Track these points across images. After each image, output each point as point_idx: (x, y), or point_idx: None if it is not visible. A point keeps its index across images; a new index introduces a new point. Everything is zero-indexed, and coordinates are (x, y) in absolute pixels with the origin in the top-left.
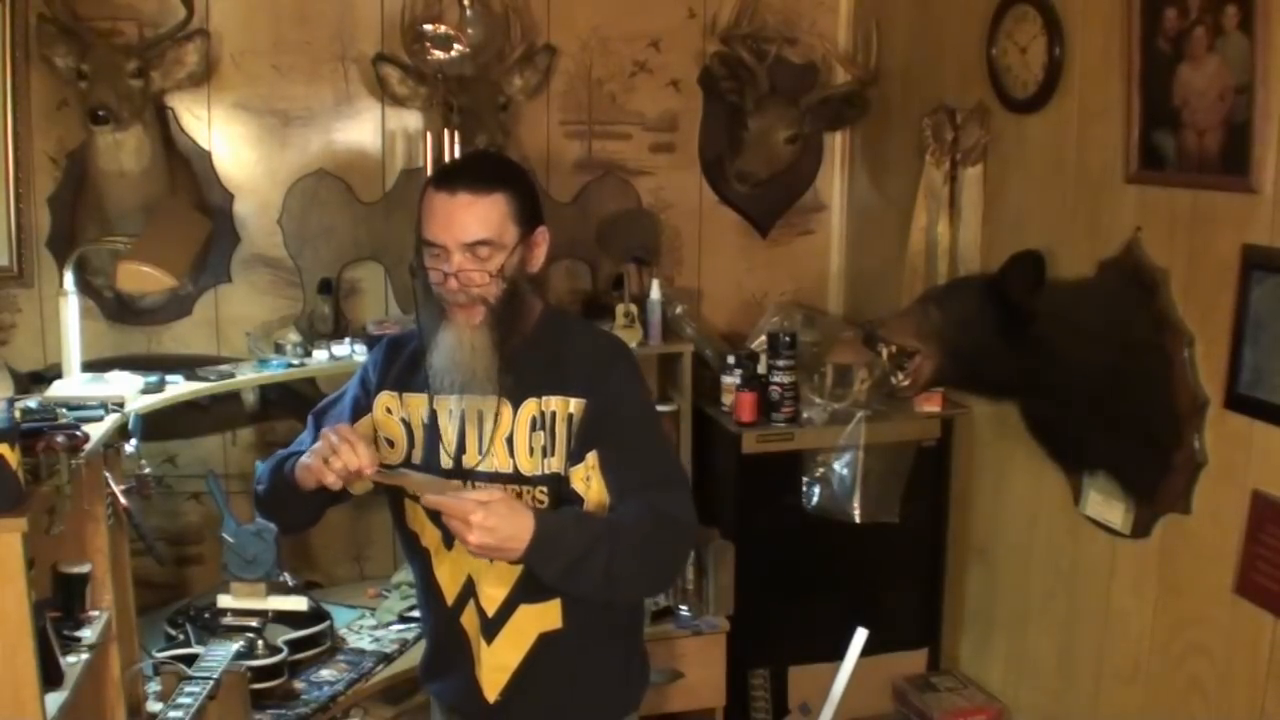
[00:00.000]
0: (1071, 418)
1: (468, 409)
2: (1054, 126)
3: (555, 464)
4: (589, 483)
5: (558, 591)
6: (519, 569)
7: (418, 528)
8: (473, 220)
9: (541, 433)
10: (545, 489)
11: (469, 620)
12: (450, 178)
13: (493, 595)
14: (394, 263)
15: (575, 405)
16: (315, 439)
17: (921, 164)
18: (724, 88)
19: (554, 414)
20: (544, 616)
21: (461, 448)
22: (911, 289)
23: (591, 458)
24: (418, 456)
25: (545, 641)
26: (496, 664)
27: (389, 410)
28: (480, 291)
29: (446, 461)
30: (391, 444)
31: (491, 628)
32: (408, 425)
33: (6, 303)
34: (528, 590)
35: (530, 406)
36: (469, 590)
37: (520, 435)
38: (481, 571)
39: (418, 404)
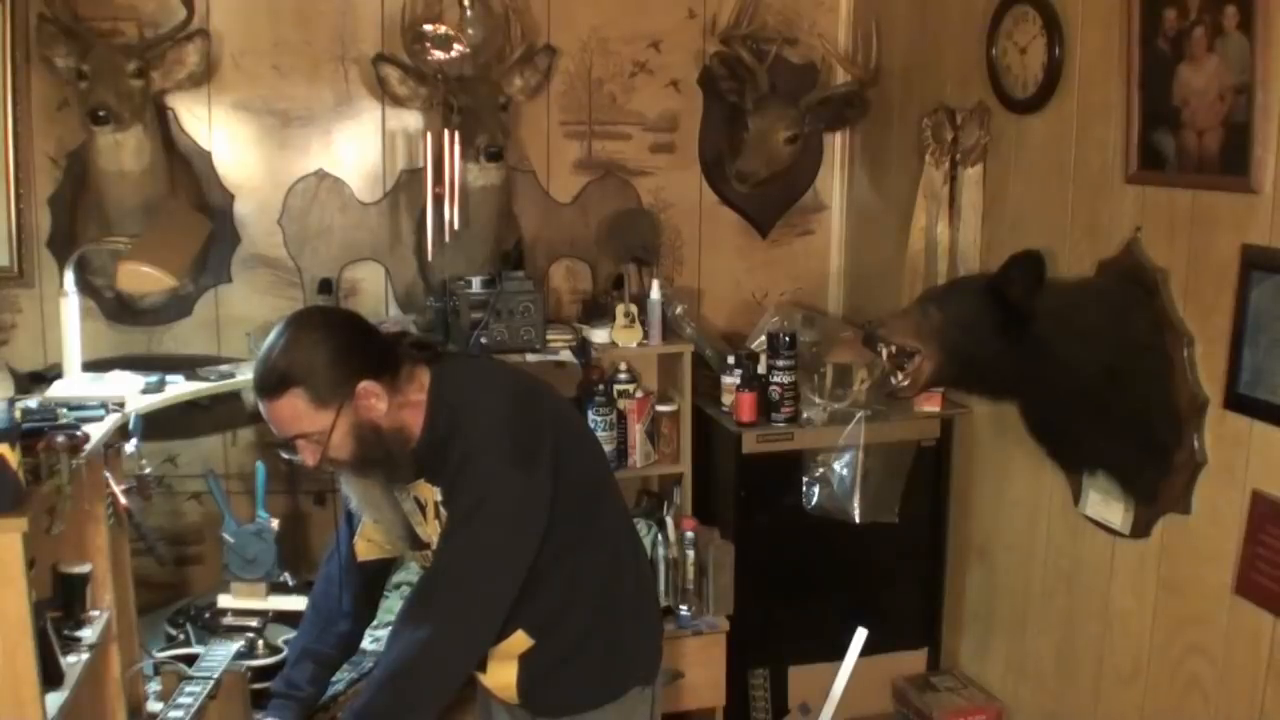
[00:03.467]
0: (1071, 418)
1: (415, 493)
2: (1054, 126)
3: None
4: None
5: (516, 625)
6: None
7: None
8: (278, 422)
9: (439, 516)
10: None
11: None
12: (253, 380)
13: None
14: (394, 263)
15: (431, 493)
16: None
17: (921, 164)
18: (724, 88)
19: (436, 499)
20: (515, 644)
21: (422, 524)
22: (911, 289)
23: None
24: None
25: (527, 658)
26: (499, 685)
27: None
28: (332, 465)
29: (417, 541)
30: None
31: (480, 662)
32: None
33: (7, 303)
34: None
35: (434, 493)
36: None
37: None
38: None
39: (403, 495)
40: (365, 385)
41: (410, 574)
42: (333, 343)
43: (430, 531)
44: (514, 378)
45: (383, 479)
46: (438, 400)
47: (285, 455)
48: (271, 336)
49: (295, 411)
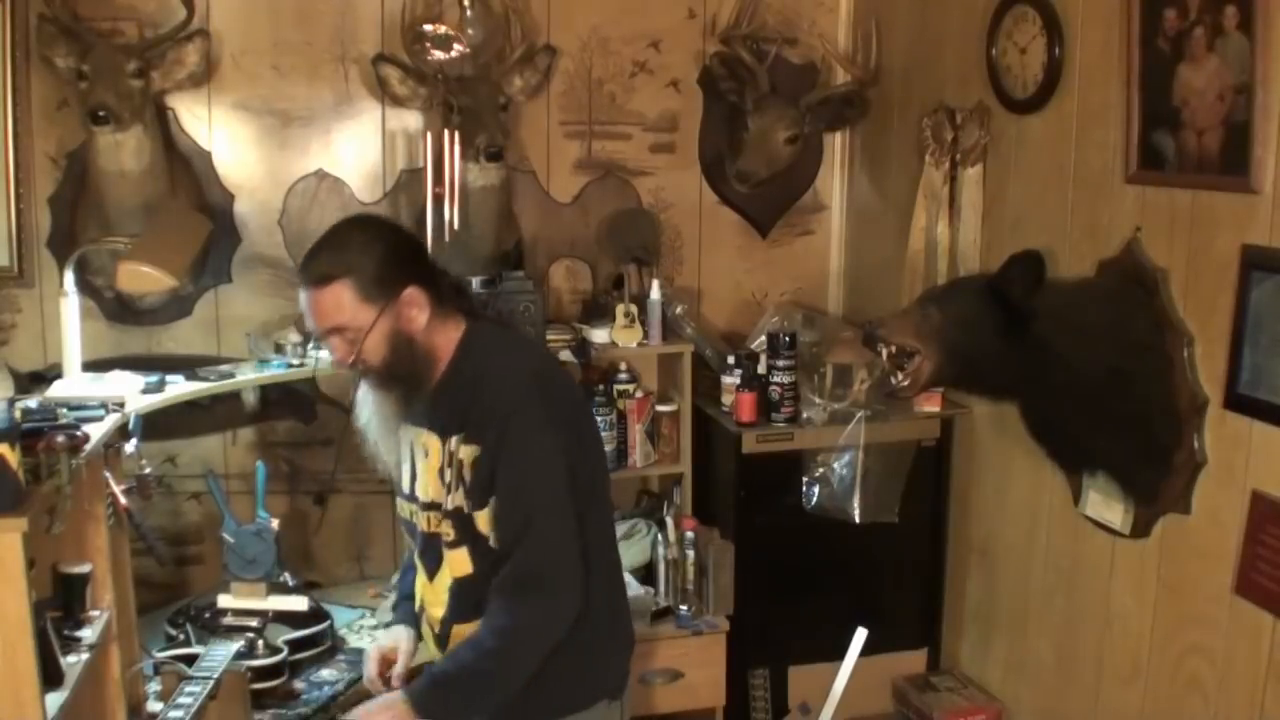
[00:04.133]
0: (1071, 418)
1: (415, 441)
2: (1054, 126)
3: (458, 500)
4: (489, 529)
5: (483, 612)
6: (449, 591)
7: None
8: (318, 313)
9: (451, 470)
10: (451, 522)
11: (428, 633)
12: (300, 268)
13: (434, 614)
14: None
15: (468, 452)
16: None
17: (921, 164)
18: (724, 88)
19: (457, 456)
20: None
21: (414, 476)
22: (911, 289)
23: (492, 504)
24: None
25: None
26: None
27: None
28: (360, 367)
29: (406, 486)
30: (398, 467)
31: (441, 642)
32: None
33: (7, 303)
34: (458, 613)
35: (448, 444)
36: (423, 608)
37: (447, 470)
38: (425, 591)
39: (405, 436)
40: (412, 291)
41: None
42: (387, 243)
43: (425, 487)
44: (546, 353)
45: (402, 398)
46: (468, 349)
47: (314, 346)
48: (327, 231)
49: (339, 303)
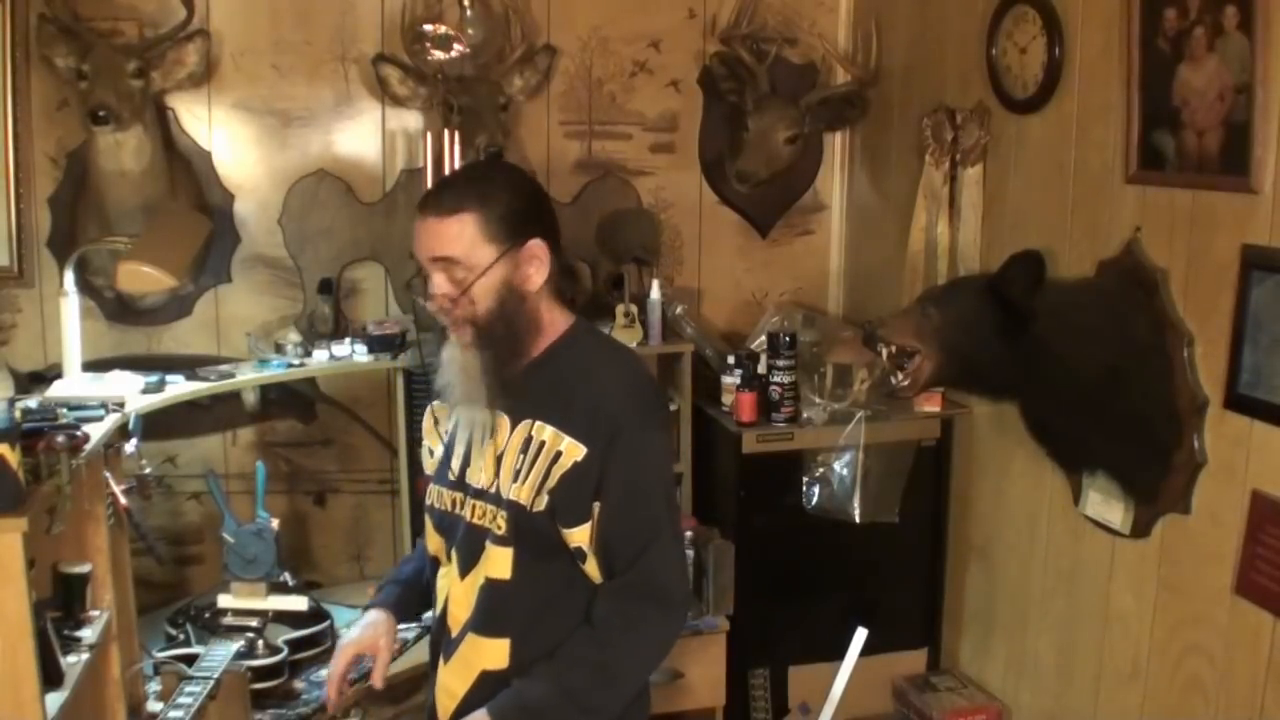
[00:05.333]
0: (1071, 418)
1: (477, 421)
2: (1054, 126)
3: (521, 492)
4: (590, 542)
5: (509, 631)
6: (478, 593)
7: (428, 537)
8: (437, 240)
9: (523, 456)
10: (506, 515)
11: (440, 635)
12: (424, 198)
13: (457, 617)
14: (394, 263)
15: (569, 446)
16: None
17: (921, 164)
18: (724, 88)
19: (542, 443)
20: (490, 653)
21: (466, 460)
22: (911, 289)
23: (598, 513)
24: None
25: (487, 679)
26: (445, 687)
27: (436, 421)
28: (461, 313)
29: (454, 473)
30: (431, 453)
31: (449, 650)
32: (444, 436)
33: (7, 303)
34: (481, 621)
35: (524, 428)
36: (445, 605)
37: (509, 455)
38: (453, 589)
39: (449, 416)
40: (537, 244)
41: None
42: (524, 190)
43: (479, 473)
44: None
45: (495, 362)
46: (574, 338)
47: (415, 293)
48: (464, 165)
49: (461, 234)
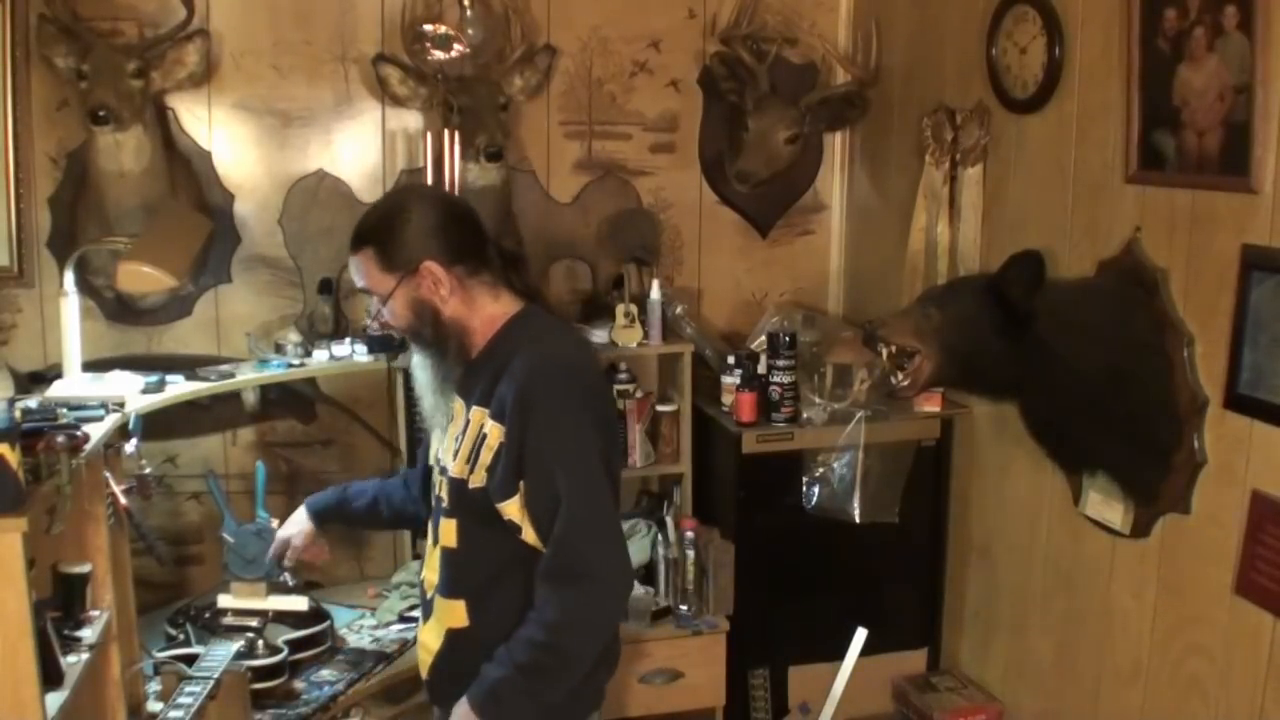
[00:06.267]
0: (1071, 418)
1: (438, 409)
2: (1054, 126)
3: (459, 468)
4: (522, 517)
5: (462, 594)
6: (439, 559)
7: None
8: (354, 272)
9: (463, 438)
10: (449, 488)
11: (421, 599)
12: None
13: (429, 579)
14: None
15: (493, 427)
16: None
17: (921, 164)
18: (724, 88)
19: (480, 426)
20: (452, 613)
21: (441, 445)
22: (911, 289)
23: (521, 491)
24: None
25: (454, 637)
26: (424, 643)
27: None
28: (393, 327)
29: (436, 457)
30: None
31: (426, 610)
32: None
33: (7, 303)
34: (443, 584)
35: (467, 413)
36: (423, 571)
37: (456, 437)
38: (428, 555)
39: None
40: (429, 265)
41: (409, 574)
42: (417, 218)
43: (446, 457)
44: (585, 345)
45: (434, 362)
46: (508, 330)
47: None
48: (383, 195)
49: (365, 268)
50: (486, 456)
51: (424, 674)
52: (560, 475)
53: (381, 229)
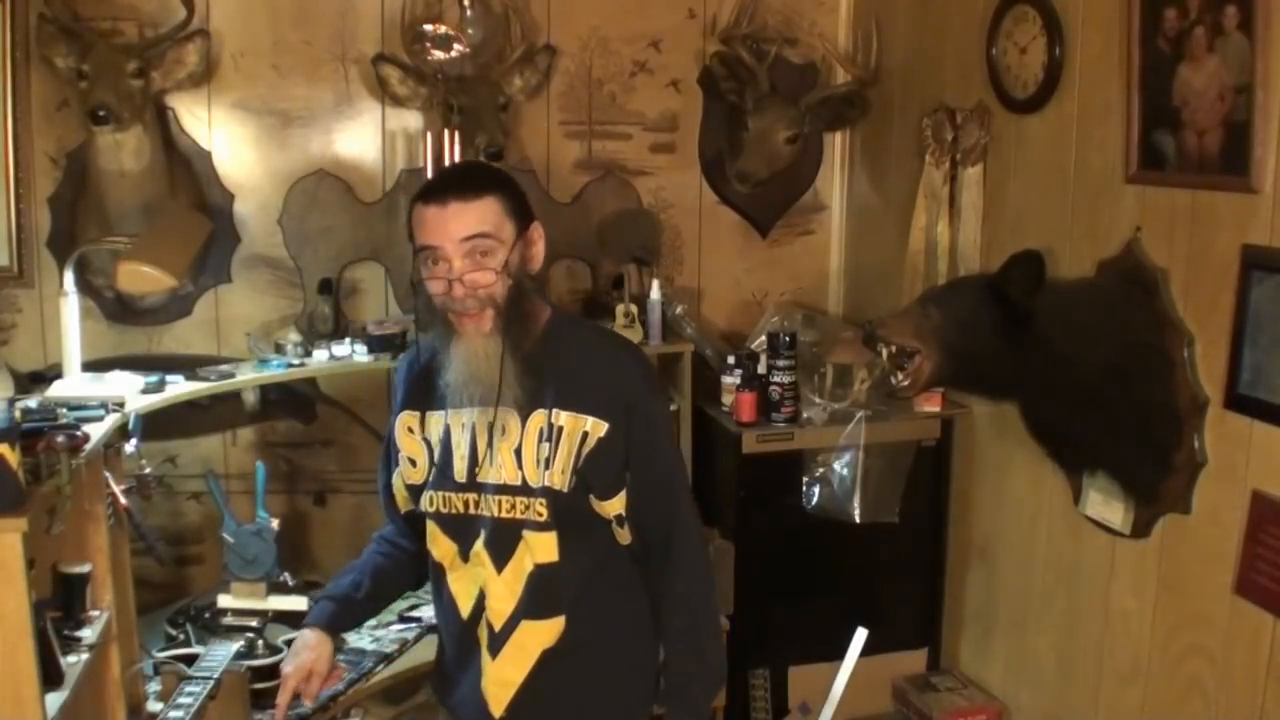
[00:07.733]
0: (1071, 418)
1: (479, 422)
2: (1054, 127)
3: (554, 478)
4: (625, 509)
5: (562, 609)
6: (525, 582)
7: (432, 544)
8: (470, 220)
9: (546, 444)
10: (544, 501)
11: (481, 633)
12: (438, 189)
13: (499, 610)
14: (394, 263)
15: (593, 424)
16: (388, 472)
17: (921, 164)
18: (724, 88)
19: (561, 429)
20: (547, 633)
21: (475, 460)
22: (911, 289)
23: (630, 482)
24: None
25: (548, 658)
26: (500, 679)
27: (410, 430)
28: (487, 292)
29: (461, 475)
30: (414, 463)
31: (497, 642)
32: (429, 443)
33: (6, 303)
34: (532, 606)
35: (539, 418)
36: (481, 603)
37: (528, 446)
38: (491, 585)
39: (437, 421)
40: (538, 225)
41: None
42: (515, 182)
43: (499, 470)
44: None
45: (514, 347)
46: (558, 327)
47: (441, 291)
48: (459, 166)
49: (492, 214)
50: (583, 457)
51: (498, 711)
52: (670, 460)
53: (504, 179)
